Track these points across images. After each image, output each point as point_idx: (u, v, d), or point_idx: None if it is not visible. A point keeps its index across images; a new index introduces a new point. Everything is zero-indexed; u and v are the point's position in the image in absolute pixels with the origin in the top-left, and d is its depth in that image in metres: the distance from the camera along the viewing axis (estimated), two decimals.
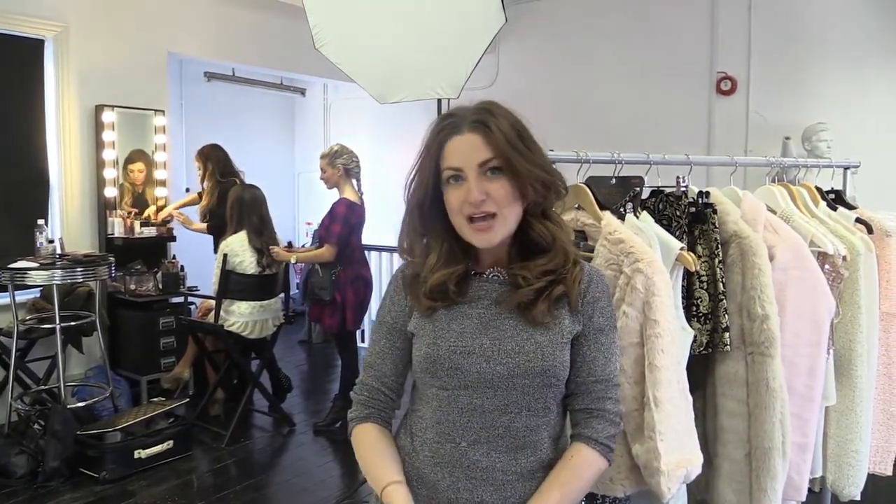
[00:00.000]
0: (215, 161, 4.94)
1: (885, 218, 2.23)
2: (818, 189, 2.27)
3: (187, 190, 6.03)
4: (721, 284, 1.79)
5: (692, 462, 1.61)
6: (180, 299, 4.89)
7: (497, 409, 1.29)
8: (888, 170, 4.70)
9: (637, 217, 1.80)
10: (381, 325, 1.42)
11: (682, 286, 1.79)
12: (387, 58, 3.22)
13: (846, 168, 2.46)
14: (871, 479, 2.28)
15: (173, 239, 5.04)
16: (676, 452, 1.58)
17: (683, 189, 1.84)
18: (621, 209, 1.81)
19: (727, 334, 1.78)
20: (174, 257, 5.01)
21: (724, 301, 1.79)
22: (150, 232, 4.87)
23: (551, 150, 1.69)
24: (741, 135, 5.30)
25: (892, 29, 4.78)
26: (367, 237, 4.41)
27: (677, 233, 1.81)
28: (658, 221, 1.83)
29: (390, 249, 5.86)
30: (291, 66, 6.25)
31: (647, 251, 1.64)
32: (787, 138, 4.63)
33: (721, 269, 1.80)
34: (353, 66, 3.27)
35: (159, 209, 5.08)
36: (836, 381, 2.08)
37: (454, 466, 1.31)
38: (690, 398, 1.69)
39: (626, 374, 1.62)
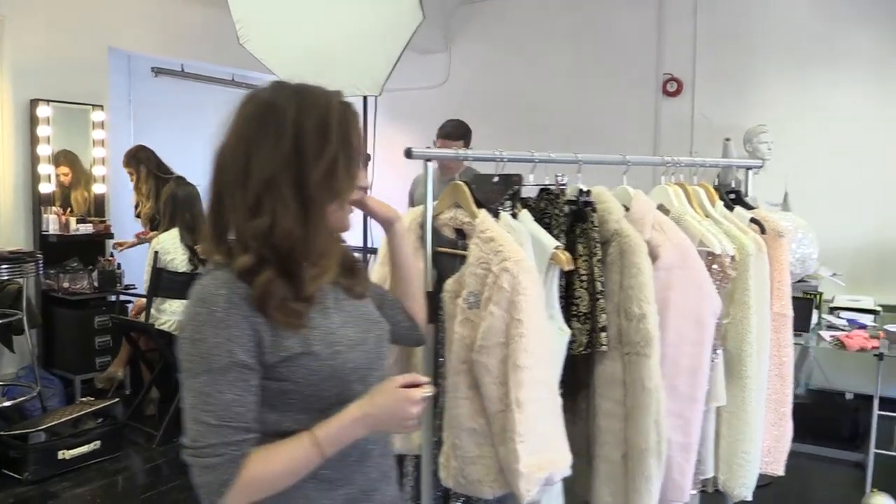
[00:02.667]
0: (146, 161, 4.83)
1: (780, 219, 2.23)
2: (717, 189, 2.27)
3: None
4: (599, 284, 1.78)
5: (555, 463, 1.59)
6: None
7: None
8: (829, 171, 4.76)
9: (516, 215, 1.78)
10: (229, 369, 1.10)
11: (561, 285, 1.77)
12: (309, 54, 3.19)
13: (748, 168, 2.46)
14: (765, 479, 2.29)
15: (111, 236, 4.95)
16: (539, 454, 1.56)
17: (562, 187, 1.82)
18: (499, 207, 1.79)
19: (604, 334, 1.76)
20: (112, 255, 4.92)
21: (602, 300, 1.78)
22: (87, 229, 4.78)
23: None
24: (687, 136, 5.33)
25: (833, 32, 4.83)
26: None
27: (556, 231, 1.80)
28: (540, 220, 1.81)
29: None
30: (242, 63, 6.10)
31: (516, 250, 1.61)
32: (728, 139, 4.64)
33: (599, 267, 1.78)
34: (277, 62, 3.25)
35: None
36: (726, 381, 2.07)
37: (364, 458, 1.25)
38: (560, 399, 1.67)
39: (492, 374, 1.59)
